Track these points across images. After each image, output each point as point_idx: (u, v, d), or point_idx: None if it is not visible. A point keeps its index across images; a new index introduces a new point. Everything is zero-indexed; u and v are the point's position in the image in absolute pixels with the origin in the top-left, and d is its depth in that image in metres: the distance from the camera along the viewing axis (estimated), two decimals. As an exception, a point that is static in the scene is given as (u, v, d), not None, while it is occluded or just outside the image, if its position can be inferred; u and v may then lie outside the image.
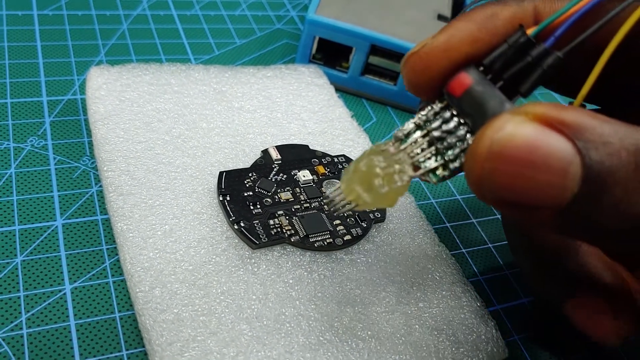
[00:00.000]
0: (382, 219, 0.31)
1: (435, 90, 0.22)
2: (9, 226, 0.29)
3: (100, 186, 0.31)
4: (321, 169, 0.33)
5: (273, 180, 0.32)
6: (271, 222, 0.30)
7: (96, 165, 0.32)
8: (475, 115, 0.20)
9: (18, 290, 0.27)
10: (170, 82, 0.36)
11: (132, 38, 0.42)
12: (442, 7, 0.45)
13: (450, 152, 0.21)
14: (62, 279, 0.28)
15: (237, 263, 0.28)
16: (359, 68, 0.42)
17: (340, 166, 0.34)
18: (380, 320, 0.27)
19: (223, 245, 0.28)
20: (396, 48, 0.40)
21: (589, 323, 0.27)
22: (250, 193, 0.31)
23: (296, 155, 0.34)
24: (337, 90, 0.40)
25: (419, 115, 0.22)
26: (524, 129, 0.17)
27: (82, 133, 0.34)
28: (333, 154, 0.34)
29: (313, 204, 0.31)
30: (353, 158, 0.34)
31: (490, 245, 0.35)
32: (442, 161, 0.21)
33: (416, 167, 0.22)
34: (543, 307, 0.32)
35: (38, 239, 0.29)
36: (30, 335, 0.26)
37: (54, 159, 0.33)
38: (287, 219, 0.30)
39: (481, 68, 0.21)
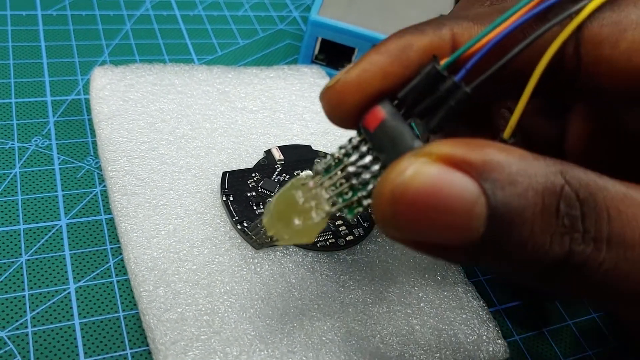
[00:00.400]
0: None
1: (352, 122, 0.21)
2: (14, 225, 0.29)
3: (104, 186, 0.32)
4: (324, 170, 0.33)
5: (276, 180, 0.32)
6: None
7: (100, 165, 0.32)
8: (388, 152, 0.20)
9: (23, 289, 0.27)
10: (174, 82, 0.36)
11: (135, 38, 0.43)
12: (445, 7, 0.45)
13: (364, 188, 0.20)
14: (67, 278, 0.28)
15: (240, 263, 0.28)
16: (362, 69, 0.42)
17: (342, 167, 0.34)
18: (382, 320, 0.28)
19: (226, 245, 0.29)
20: (398, 49, 0.40)
21: None
22: (253, 193, 0.31)
23: (299, 155, 0.34)
24: (340, 90, 0.40)
25: (340, 148, 0.21)
26: (425, 171, 0.16)
27: (86, 133, 0.35)
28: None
29: (315, 205, 0.31)
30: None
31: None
32: (355, 197, 0.21)
33: (334, 202, 0.22)
34: (539, 307, 0.33)
35: (42, 238, 0.29)
36: (35, 333, 0.26)
37: (58, 158, 0.33)
38: (289, 219, 0.30)
39: (396, 101, 0.20)
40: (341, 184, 0.21)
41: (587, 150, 0.25)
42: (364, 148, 0.21)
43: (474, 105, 0.19)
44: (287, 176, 0.32)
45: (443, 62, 0.19)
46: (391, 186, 0.17)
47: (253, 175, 0.32)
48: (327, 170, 0.22)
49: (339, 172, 0.21)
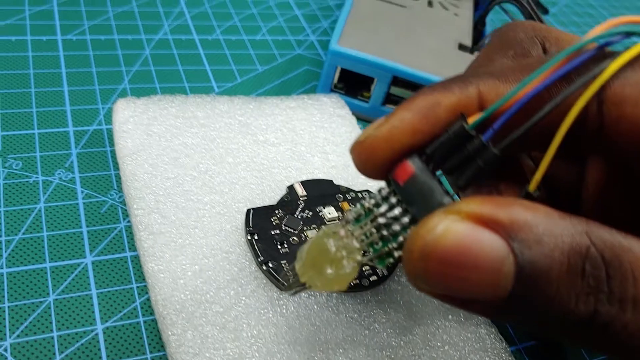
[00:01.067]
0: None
1: (382, 175, 0.22)
2: (40, 263, 0.29)
3: (129, 222, 0.32)
4: (346, 206, 0.33)
5: (299, 217, 0.32)
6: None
7: (124, 200, 0.32)
8: (417, 206, 0.20)
9: (51, 331, 0.27)
10: (197, 114, 0.36)
11: (155, 64, 0.43)
12: (463, 36, 0.45)
13: (394, 240, 0.21)
14: (94, 319, 0.28)
15: (266, 305, 0.28)
16: (380, 98, 0.42)
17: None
18: (407, 365, 0.28)
19: (252, 286, 0.29)
20: (417, 79, 0.40)
21: None
22: (277, 231, 0.31)
23: (321, 190, 0.34)
24: (358, 119, 0.41)
25: (370, 197, 0.22)
26: (455, 229, 0.17)
27: (109, 165, 0.35)
28: (357, 189, 0.35)
29: (339, 243, 0.31)
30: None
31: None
32: (386, 248, 0.21)
33: (365, 252, 0.22)
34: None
35: (69, 276, 0.29)
36: (64, 377, 0.26)
37: (82, 192, 0.33)
38: (314, 259, 0.30)
39: (424, 156, 0.20)
40: (371, 234, 0.21)
41: (604, 199, 0.25)
42: (393, 200, 0.21)
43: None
44: (310, 213, 0.32)
45: (470, 120, 0.20)
46: (422, 243, 0.17)
47: (276, 212, 0.32)
48: (358, 219, 0.22)
49: (369, 223, 0.22)
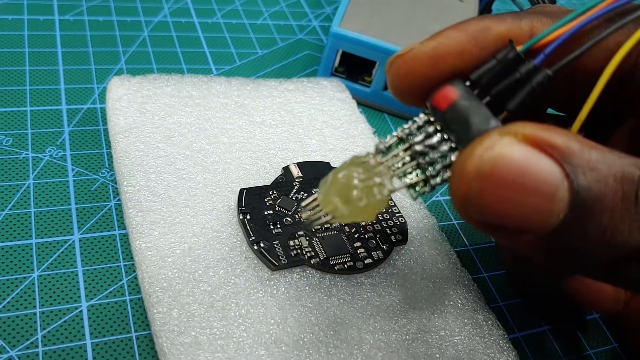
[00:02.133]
0: (403, 242, 0.31)
1: (417, 98, 0.21)
2: (27, 239, 0.29)
3: (119, 200, 0.31)
4: (342, 188, 0.32)
5: (294, 198, 0.31)
6: (291, 242, 0.29)
7: (115, 178, 0.32)
8: (460, 131, 0.19)
9: (34, 307, 0.27)
10: (192, 94, 0.35)
11: (153, 46, 0.42)
12: (467, 22, 0.44)
13: (432, 168, 0.20)
14: (79, 296, 0.27)
15: (256, 285, 0.27)
16: (382, 82, 0.41)
17: (361, 185, 0.33)
18: (401, 349, 0.27)
19: (242, 266, 0.28)
20: (420, 64, 0.39)
21: (590, 296, 0.27)
22: (271, 212, 0.30)
23: (317, 173, 0.33)
24: (359, 104, 0.40)
25: (403, 128, 0.21)
26: (514, 150, 0.17)
27: (101, 144, 0.34)
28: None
29: (334, 225, 0.30)
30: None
31: (511, 269, 0.34)
32: (423, 176, 0.21)
33: (397, 182, 0.21)
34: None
35: (55, 253, 0.29)
36: (46, 353, 0.25)
37: (73, 170, 0.32)
38: (307, 240, 0.29)
39: (467, 83, 0.20)
40: (404, 164, 0.21)
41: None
42: (430, 128, 0.20)
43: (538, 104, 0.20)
44: (305, 194, 0.32)
45: (520, 47, 0.20)
46: (477, 163, 0.17)
47: (270, 192, 0.31)
48: (389, 149, 0.21)
49: (402, 152, 0.21)
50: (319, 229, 0.30)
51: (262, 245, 0.28)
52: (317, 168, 0.33)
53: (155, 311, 0.26)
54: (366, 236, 0.30)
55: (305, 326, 0.27)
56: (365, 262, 0.29)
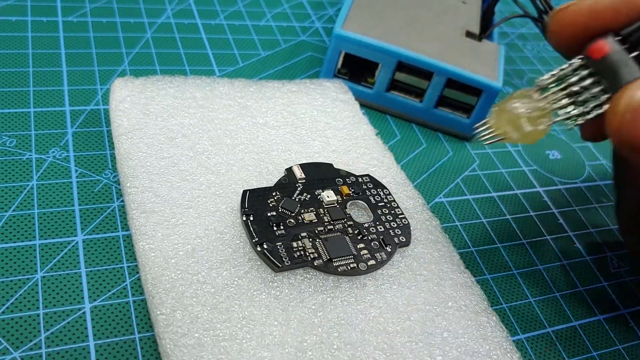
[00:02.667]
0: (406, 244, 0.31)
1: (574, 46, 0.25)
2: (30, 240, 0.29)
3: (122, 201, 0.31)
4: (345, 190, 0.32)
5: (297, 200, 0.31)
6: (294, 244, 0.29)
7: (118, 179, 0.32)
8: (610, 79, 0.24)
9: (38, 308, 0.27)
10: (195, 95, 0.35)
11: (156, 47, 0.42)
12: (470, 23, 0.44)
13: (585, 105, 0.25)
14: (82, 297, 0.27)
15: (259, 287, 0.27)
16: (385, 84, 0.41)
17: (364, 186, 0.33)
18: (404, 351, 0.27)
19: (245, 268, 0.28)
20: (423, 65, 0.39)
21: None
22: (274, 213, 0.30)
23: (320, 174, 0.33)
24: (362, 105, 0.40)
25: (558, 71, 0.26)
26: None
27: (105, 145, 0.34)
28: (357, 174, 0.34)
29: (337, 226, 0.30)
30: (378, 178, 0.34)
31: (515, 271, 0.34)
32: (578, 111, 0.25)
33: (558, 114, 0.26)
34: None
35: (58, 254, 0.29)
36: (49, 355, 0.25)
37: (76, 171, 0.32)
38: (310, 242, 0.29)
39: (619, 38, 0.24)
40: (561, 99, 0.26)
41: None
42: (584, 72, 0.25)
43: None
44: (308, 195, 0.32)
45: None
46: (628, 99, 0.22)
47: (274, 194, 0.31)
48: (548, 86, 0.26)
49: (560, 91, 0.26)
50: (321, 230, 0.30)
51: (265, 246, 0.28)
52: (320, 169, 0.33)
53: (158, 313, 0.26)
54: (369, 237, 0.30)
55: (309, 328, 0.27)
56: (369, 263, 0.29)
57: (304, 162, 0.34)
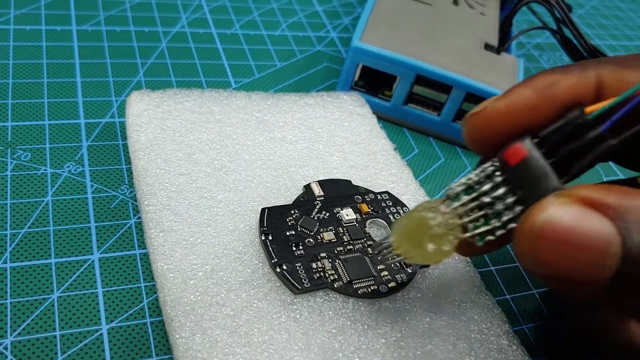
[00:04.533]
0: (427, 264, 0.30)
1: (491, 150, 0.22)
2: (46, 259, 0.28)
3: (139, 218, 0.31)
4: (364, 207, 0.32)
5: (315, 218, 0.31)
6: (314, 265, 0.29)
7: (135, 195, 0.31)
8: (526, 188, 0.21)
9: (54, 329, 0.26)
10: (213, 109, 0.35)
11: (171, 57, 0.42)
12: (489, 36, 0.43)
13: (497, 219, 0.21)
14: (99, 318, 0.27)
15: (278, 309, 0.27)
16: (403, 97, 0.41)
17: (383, 204, 0.33)
18: (426, 377, 0.26)
19: (265, 289, 0.28)
20: (442, 79, 0.39)
21: None
22: (293, 232, 0.30)
23: (339, 191, 0.33)
24: (379, 118, 0.39)
25: (471, 176, 0.22)
26: (565, 210, 0.18)
27: (121, 160, 0.34)
28: (376, 190, 0.33)
29: (356, 246, 0.30)
30: (396, 194, 0.33)
31: (534, 291, 0.34)
32: (489, 227, 0.22)
33: (464, 229, 0.23)
34: None
35: (75, 273, 0.28)
36: (66, 379, 0.25)
37: (91, 186, 0.32)
38: (330, 262, 0.29)
39: (536, 140, 0.21)
40: (472, 211, 0.22)
41: None
42: (498, 179, 0.22)
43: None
44: (327, 214, 0.31)
45: (589, 109, 0.20)
46: (531, 223, 0.19)
47: (292, 212, 0.31)
48: (458, 196, 0.23)
49: (470, 201, 0.22)
50: (341, 251, 0.29)
51: (284, 267, 0.28)
52: (338, 186, 0.33)
53: (177, 336, 0.25)
54: (389, 258, 0.30)
55: (329, 353, 0.26)
56: (389, 285, 0.29)
57: (322, 178, 0.33)
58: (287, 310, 0.27)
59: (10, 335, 0.26)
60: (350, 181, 0.33)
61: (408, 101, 0.41)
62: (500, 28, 0.45)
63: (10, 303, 0.27)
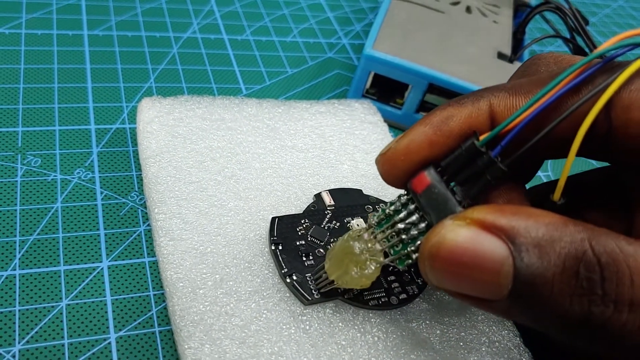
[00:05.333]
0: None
1: (404, 184, 0.24)
2: (55, 266, 0.28)
3: (148, 225, 0.31)
4: (375, 217, 0.32)
5: (326, 228, 0.30)
6: (324, 275, 0.28)
7: (144, 202, 0.31)
8: (432, 213, 0.22)
9: (62, 337, 0.26)
10: (224, 117, 0.35)
11: (182, 63, 0.42)
12: (502, 44, 0.43)
13: (413, 243, 0.23)
14: (107, 327, 0.27)
15: (288, 320, 0.27)
16: (415, 105, 0.40)
17: (394, 214, 0.32)
18: (437, 391, 0.26)
19: (274, 300, 0.27)
20: (455, 87, 0.39)
21: None
22: (303, 242, 0.29)
23: (349, 200, 0.32)
24: (390, 126, 0.39)
25: (390, 205, 0.24)
26: (459, 232, 0.19)
27: (131, 166, 0.33)
28: (387, 200, 0.33)
29: (367, 257, 0.30)
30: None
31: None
32: (405, 251, 0.24)
33: (386, 254, 0.25)
34: None
35: (84, 281, 0.28)
36: (74, 388, 0.25)
37: (101, 193, 0.32)
38: (340, 273, 0.29)
39: (439, 169, 0.23)
40: (392, 237, 0.24)
41: None
42: (412, 206, 0.23)
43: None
44: (338, 223, 0.31)
45: (482, 137, 0.22)
46: (428, 245, 0.20)
47: (302, 221, 0.30)
48: (380, 224, 0.25)
49: (389, 228, 0.24)
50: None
51: (294, 278, 0.28)
52: (349, 195, 0.33)
53: (186, 346, 0.25)
54: (400, 269, 0.30)
55: (339, 365, 0.26)
56: (400, 297, 0.29)
57: (332, 187, 0.33)
58: (296, 321, 0.27)
59: (19, 343, 0.25)
60: (361, 190, 0.33)
61: (420, 109, 0.41)
62: (513, 36, 0.45)
63: (19, 311, 0.26)
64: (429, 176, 0.22)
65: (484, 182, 0.22)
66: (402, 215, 0.24)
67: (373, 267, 0.25)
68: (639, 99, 0.20)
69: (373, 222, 0.25)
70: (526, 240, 0.18)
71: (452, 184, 0.22)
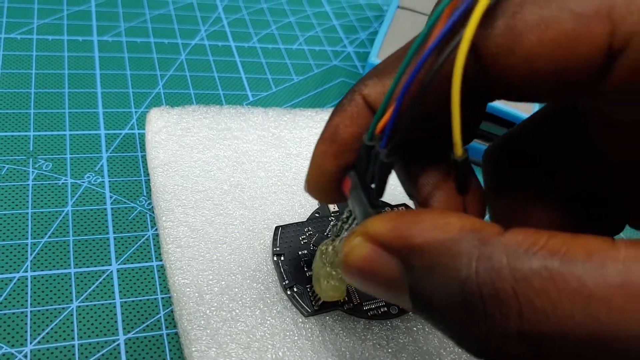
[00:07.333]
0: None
1: (339, 199, 0.23)
2: (65, 269, 0.29)
3: (157, 230, 0.31)
4: (378, 225, 0.32)
5: (329, 236, 0.31)
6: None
7: (152, 207, 0.32)
8: (357, 214, 0.22)
9: (73, 339, 0.27)
10: (230, 126, 0.35)
11: (190, 70, 0.42)
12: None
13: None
14: (117, 329, 0.28)
15: (291, 327, 0.28)
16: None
17: (395, 223, 0.33)
18: (434, 397, 0.27)
19: (278, 307, 0.28)
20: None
21: None
22: (305, 252, 0.30)
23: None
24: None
25: (344, 215, 0.25)
26: (358, 249, 0.19)
27: (140, 171, 0.34)
28: (393, 204, 0.34)
29: (369, 265, 0.30)
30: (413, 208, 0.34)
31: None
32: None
33: None
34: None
35: (93, 284, 0.29)
36: (84, 389, 0.26)
37: (111, 197, 0.33)
38: (341, 283, 0.29)
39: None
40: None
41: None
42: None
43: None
44: (341, 232, 0.32)
45: (365, 136, 0.20)
46: (341, 254, 0.20)
47: (306, 230, 0.31)
48: (338, 234, 0.25)
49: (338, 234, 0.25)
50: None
51: (295, 290, 0.29)
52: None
53: (193, 349, 0.26)
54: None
55: (340, 371, 0.27)
56: (399, 306, 0.29)
57: (336, 195, 0.34)
58: (299, 328, 0.28)
59: (30, 343, 0.26)
60: (364, 198, 0.34)
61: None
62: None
63: (31, 312, 0.27)
64: (350, 179, 0.22)
65: (379, 178, 0.20)
66: (343, 216, 0.24)
67: (337, 279, 0.26)
68: (505, 44, 0.17)
69: (333, 234, 0.26)
70: (416, 262, 0.17)
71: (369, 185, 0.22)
